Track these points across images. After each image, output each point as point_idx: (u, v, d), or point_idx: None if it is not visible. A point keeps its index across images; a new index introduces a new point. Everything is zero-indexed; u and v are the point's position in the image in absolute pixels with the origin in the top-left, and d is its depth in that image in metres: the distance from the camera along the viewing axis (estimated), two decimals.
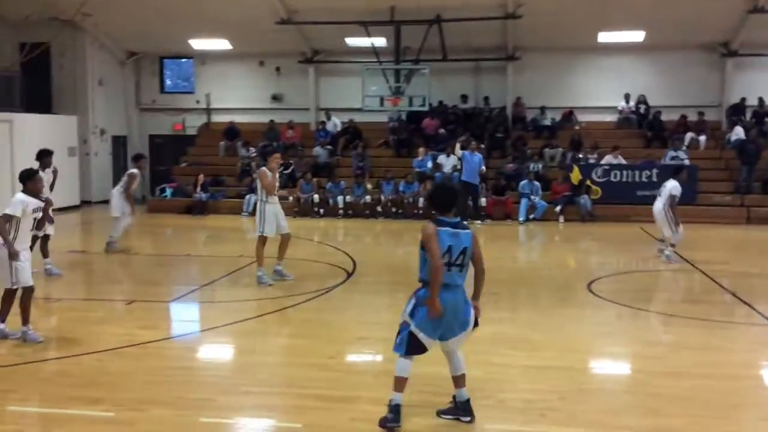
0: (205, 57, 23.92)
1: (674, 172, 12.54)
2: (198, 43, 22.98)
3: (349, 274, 11.07)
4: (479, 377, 6.19)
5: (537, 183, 18.77)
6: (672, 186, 12.02)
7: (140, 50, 23.91)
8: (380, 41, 20.95)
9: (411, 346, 5.16)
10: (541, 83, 22.15)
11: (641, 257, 13.30)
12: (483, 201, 18.61)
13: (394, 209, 19.02)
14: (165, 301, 9.40)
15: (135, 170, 13.30)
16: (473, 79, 22.84)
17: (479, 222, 17.64)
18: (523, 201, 18.38)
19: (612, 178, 18.79)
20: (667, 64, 21.68)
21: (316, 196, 19.30)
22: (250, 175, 19.95)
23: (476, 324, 5.31)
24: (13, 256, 6.99)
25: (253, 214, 18.33)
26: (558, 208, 18.41)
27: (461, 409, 5.30)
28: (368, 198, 19.18)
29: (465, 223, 5.35)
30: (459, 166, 18.44)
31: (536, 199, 18.52)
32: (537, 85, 22.20)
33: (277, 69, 23.54)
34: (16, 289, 7.19)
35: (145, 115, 24.70)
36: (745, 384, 6.30)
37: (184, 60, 24.88)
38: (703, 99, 21.62)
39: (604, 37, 21.09)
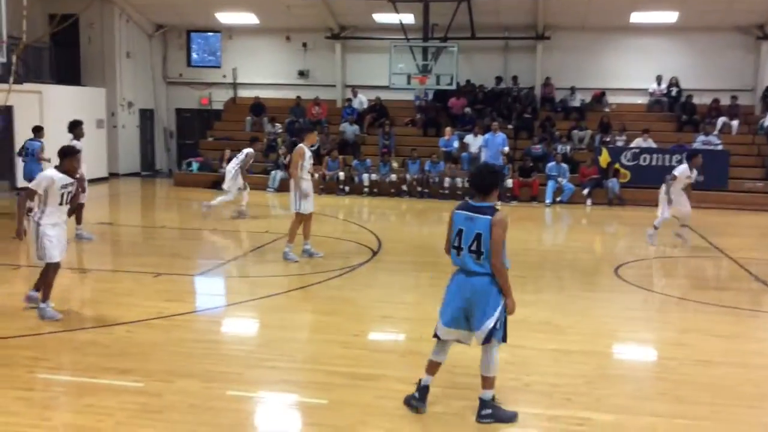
0: (232, 31, 23.89)
1: (688, 157, 12.33)
2: (225, 17, 22.95)
3: (374, 253, 11.08)
4: (504, 359, 6.17)
5: (565, 165, 18.59)
6: (680, 170, 11.86)
7: (168, 23, 23.95)
8: (408, 18, 20.76)
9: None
10: (571, 63, 21.84)
11: (670, 243, 13.14)
12: (509, 182, 18.48)
13: (419, 188, 18.96)
14: (191, 275, 9.48)
15: (251, 150, 14.43)
16: (502, 58, 22.58)
17: (500, 203, 17.53)
18: (550, 183, 18.22)
19: (641, 162, 18.54)
20: (700, 46, 21.25)
21: (341, 174, 19.30)
22: (276, 150, 19.98)
23: (503, 339, 4.98)
24: (18, 234, 7.05)
25: (279, 189, 18.52)
26: (585, 191, 18.23)
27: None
28: (393, 177, 19.13)
29: (491, 207, 4.90)
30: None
31: (563, 181, 18.35)
32: (567, 65, 21.88)
33: (304, 45, 23.45)
34: (57, 264, 7.12)
35: (172, 89, 24.79)
36: None
37: (211, 34, 24.87)
38: (737, 83, 21.18)
39: (637, 17, 20.69)
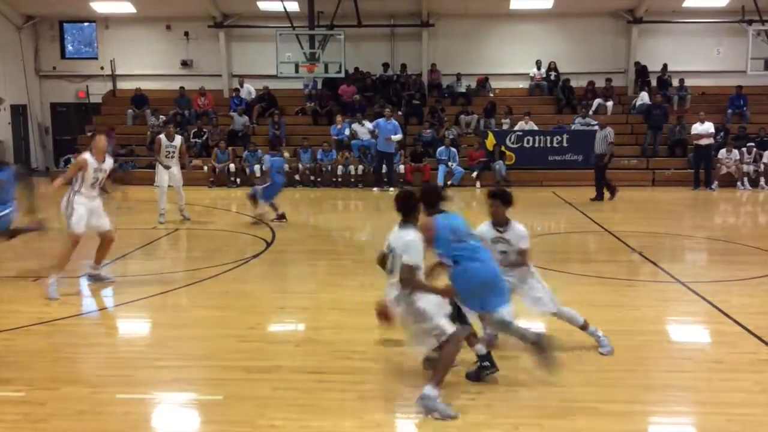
0: (108, 21, 22.88)
1: None
2: (100, 6, 21.94)
3: (269, 244, 10.94)
4: (400, 342, 6.28)
5: (454, 149, 19.01)
6: None
7: (38, 14, 22.64)
8: (293, 5, 20.56)
9: None
10: (456, 50, 22.33)
11: (554, 220, 13.72)
12: (401, 168, 18.71)
13: (312, 177, 18.88)
14: (74, 277, 9.02)
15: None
16: (389, 45, 22.79)
17: (392, 188, 17.76)
18: (441, 167, 18.60)
19: (525, 144, 19.23)
20: (575, 31, 22.24)
21: (232, 166, 18.92)
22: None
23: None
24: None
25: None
26: (474, 174, 18.74)
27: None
28: (285, 167, 18.90)
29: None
30: (376, 134, 18.46)
31: (453, 165, 18.77)
32: (452, 52, 22.36)
33: (186, 34, 22.78)
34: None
35: (46, 83, 23.51)
36: (651, 339, 6.61)
37: (86, 24, 23.72)
38: (610, 65, 22.34)
39: (516, 3, 21.40)
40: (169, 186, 12.70)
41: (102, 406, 5.05)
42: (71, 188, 8.10)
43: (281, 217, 12.76)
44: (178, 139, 12.86)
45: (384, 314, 5.33)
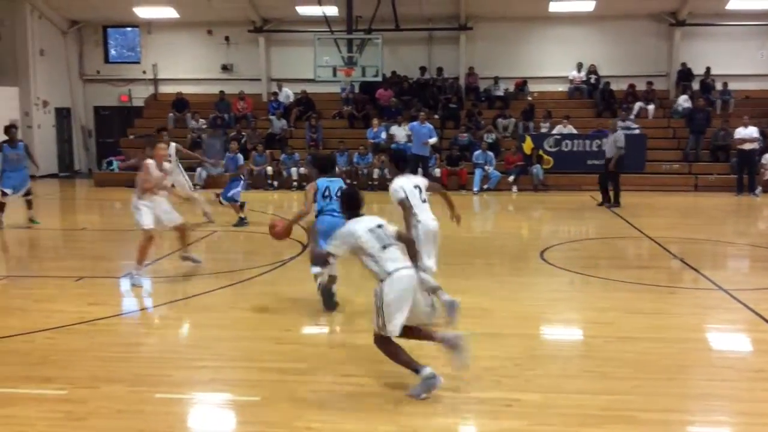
0: (151, 26, 23.32)
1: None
2: (143, 11, 22.36)
3: (305, 246, 10.99)
4: (435, 346, 6.25)
5: (490, 153, 18.91)
6: None
7: (82, 19, 23.17)
8: (332, 10, 20.68)
9: None
10: (494, 53, 22.23)
11: (592, 225, 13.55)
12: (437, 171, 18.68)
13: (348, 181, 18.91)
14: (115, 277, 9.21)
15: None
16: (426, 49, 22.79)
17: (429, 193, 17.70)
18: (477, 171, 18.51)
19: (563, 148, 19.04)
20: (616, 34, 21.96)
21: (269, 168, 19.10)
22: (201, 147, 19.61)
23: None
24: None
25: (204, 187, 18.18)
26: (511, 178, 18.61)
27: None
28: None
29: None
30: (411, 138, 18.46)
31: (490, 169, 18.67)
32: (490, 55, 22.26)
33: (227, 38, 23.08)
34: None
35: (90, 86, 24.05)
36: (691, 347, 6.48)
37: (129, 29, 24.19)
38: (652, 68, 22.02)
39: (556, 6, 21.22)
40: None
41: (141, 405, 5.13)
42: (137, 190, 8.91)
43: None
44: (173, 147, 12.54)
45: (273, 228, 7.33)
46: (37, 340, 6.54)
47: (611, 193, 15.43)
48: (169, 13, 22.26)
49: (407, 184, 7.05)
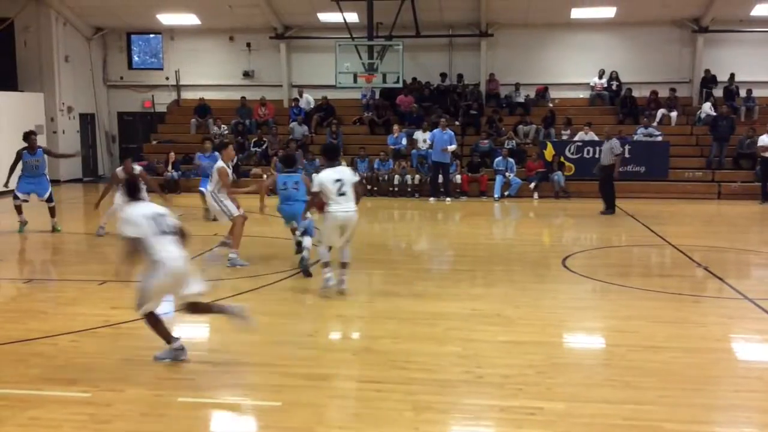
0: (173, 32, 23.53)
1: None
2: (166, 18, 22.57)
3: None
4: (457, 353, 6.24)
5: (511, 160, 18.85)
6: None
7: (106, 26, 23.44)
8: (352, 17, 20.75)
9: None
10: (515, 60, 22.17)
11: (614, 233, 13.45)
12: (458, 178, 18.65)
13: (368, 187, 18.97)
14: (137, 281, 9.25)
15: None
16: (447, 55, 22.78)
17: (449, 199, 17.72)
18: (498, 178, 18.45)
19: (585, 155, 18.91)
20: (638, 41, 21.82)
21: None
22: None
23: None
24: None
25: None
26: (532, 185, 18.53)
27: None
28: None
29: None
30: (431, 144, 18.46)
31: (511, 175, 18.60)
32: (510, 61, 22.21)
33: (248, 45, 23.24)
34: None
35: (113, 92, 24.30)
36: (717, 357, 6.40)
37: (152, 36, 24.44)
38: (675, 75, 21.83)
39: (577, 13, 21.12)
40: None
41: (164, 409, 5.16)
42: (213, 189, 10.09)
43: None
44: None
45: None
46: (60, 343, 6.61)
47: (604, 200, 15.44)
48: (192, 20, 22.47)
49: (328, 177, 8.01)
